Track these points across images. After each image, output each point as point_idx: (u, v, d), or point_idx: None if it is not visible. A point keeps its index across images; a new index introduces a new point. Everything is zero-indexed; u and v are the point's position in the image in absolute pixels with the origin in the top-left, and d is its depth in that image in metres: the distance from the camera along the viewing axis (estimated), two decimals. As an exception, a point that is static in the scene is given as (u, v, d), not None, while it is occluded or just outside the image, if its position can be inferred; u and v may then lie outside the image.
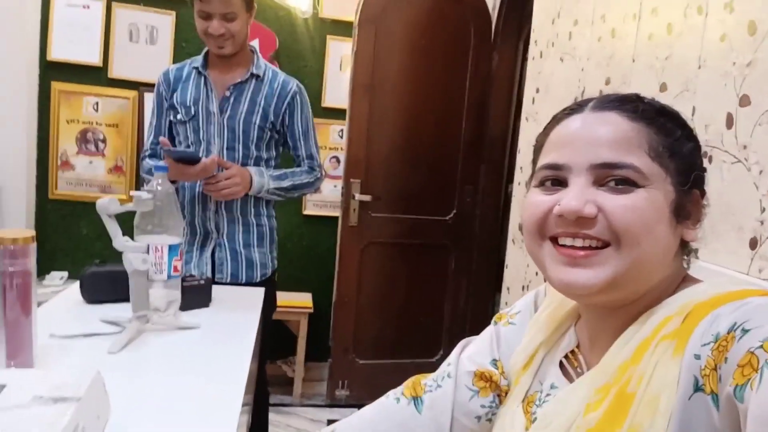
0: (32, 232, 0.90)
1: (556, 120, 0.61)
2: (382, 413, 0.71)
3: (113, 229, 1.12)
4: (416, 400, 0.70)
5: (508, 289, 2.09)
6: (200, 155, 1.59)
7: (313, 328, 2.77)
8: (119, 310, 1.21)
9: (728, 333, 0.46)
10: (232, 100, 1.67)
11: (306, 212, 2.86)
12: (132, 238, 1.17)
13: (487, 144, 2.68)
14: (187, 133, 1.69)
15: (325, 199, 2.86)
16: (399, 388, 0.73)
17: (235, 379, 0.98)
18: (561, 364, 0.65)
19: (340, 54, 2.79)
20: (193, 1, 1.61)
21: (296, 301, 2.72)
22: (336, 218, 2.67)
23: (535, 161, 0.62)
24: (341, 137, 2.81)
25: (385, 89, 2.54)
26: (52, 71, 2.59)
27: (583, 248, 0.55)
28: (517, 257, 2.08)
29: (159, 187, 1.20)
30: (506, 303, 2.11)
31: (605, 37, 1.45)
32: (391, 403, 0.71)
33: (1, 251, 0.86)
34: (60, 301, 1.34)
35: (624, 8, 1.36)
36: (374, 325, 2.64)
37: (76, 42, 2.60)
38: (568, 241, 0.56)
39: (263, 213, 1.76)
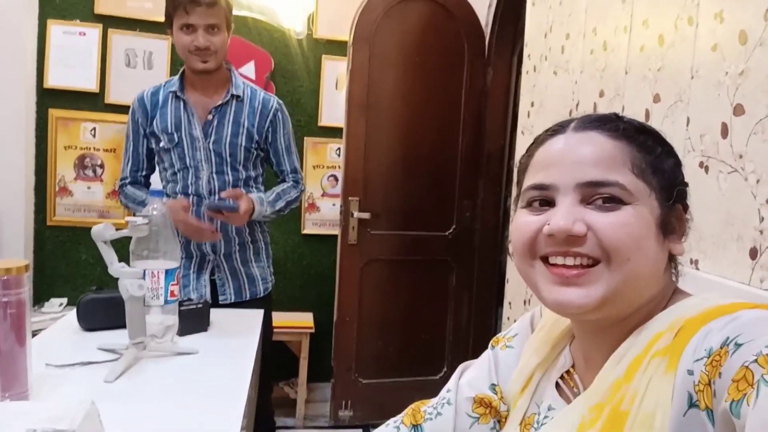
0: (26, 262, 0.89)
1: (539, 142, 0.61)
2: None
3: (109, 255, 1.11)
4: (417, 428, 0.69)
5: (509, 303, 2.07)
6: (230, 202, 1.57)
7: (315, 348, 2.74)
8: (117, 337, 1.20)
9: (721, 347, 0.45)
10: (215, 123, 1.65)
11: (305, 231, 2.85)
12: (128, 263, 1.17)
13: (484, 158, 2.68)
14: (172, 160, 1.67)
15: (324, 217, 2.86)
16: (399, 417, 0.72)
17: (233, 404, 0.97)
18: (557, 385, 0.64)
19: (335, 73, 2.81)
20: (173, 18, 1.58)
21: (297, 321, 2.70)
22: (335, 236, 2.66)
23: (520, 182, 0.63)
24: (338, 155, 2.81)
25: (381, 107, 2.54)
26: (49, 98, 2.61)
27: (574, 266, 0.55)
28: (517, 271, 2.07)
29: (155, 212, 1.19)
30: (508, 318, 2.09)
31: (597, 49, 1.45)
32: (391, 431, 0.70)
33: (-7, 282, 0.85)
34: (56, 329, 1.32)
35: (615, 21, 1.36)
36: (376, 343, 2.62)
37: (72, 68, 2.61)
38: (559, 260, 0.56)
39: (257, 229, 1.77)
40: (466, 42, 2.63)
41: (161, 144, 1.67)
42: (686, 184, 0.59)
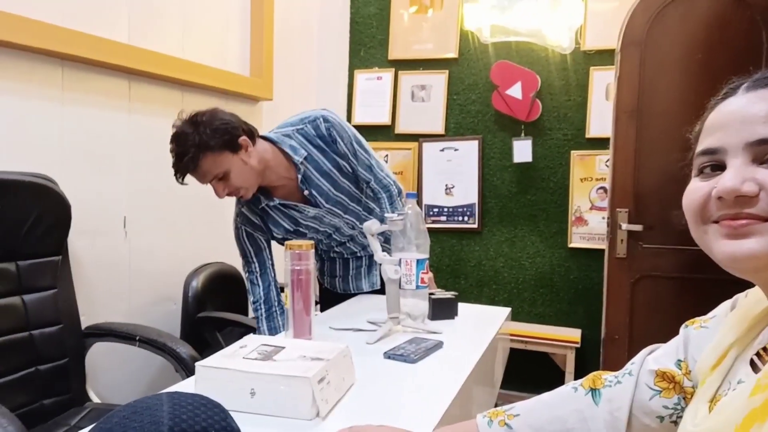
0: (312, 242, 1.20)
1: (711, 107, 0.60)
2: (559, 399, 0.74)
3: (375, 245, 1.39)
4: (594, 392, 0.71)
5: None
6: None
7: (581, 365, 2.67)
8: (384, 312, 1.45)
9: None
10: (312, 191, 1.61)
11: (572, 245, 2.82)
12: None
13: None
14: (307, 237, 1.70)
15: (593, 231, 2.78)
16: (578, 381, 0.75)
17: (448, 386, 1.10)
18: (752, 362, 0.60)
19: (604, 83, 2.75)
20: None
21: (563, 336, 2.69)
22: (604, 251, 2.57)
23: (693, 152, 0.61)
24: (608, 167, 2.72)
25: (654, 112, 2.39)
26: (355, 132, 3.21)
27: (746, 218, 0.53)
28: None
29: (409, 211, 1.43)
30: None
31: None
32: (568, 391, 0.74)
33: (290, 254, 1.18)
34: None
35: None
36: (650, 367, 2.41)
37: (370, 107, 3.17)
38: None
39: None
40: (765, 30, 2.28)
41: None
42: None
